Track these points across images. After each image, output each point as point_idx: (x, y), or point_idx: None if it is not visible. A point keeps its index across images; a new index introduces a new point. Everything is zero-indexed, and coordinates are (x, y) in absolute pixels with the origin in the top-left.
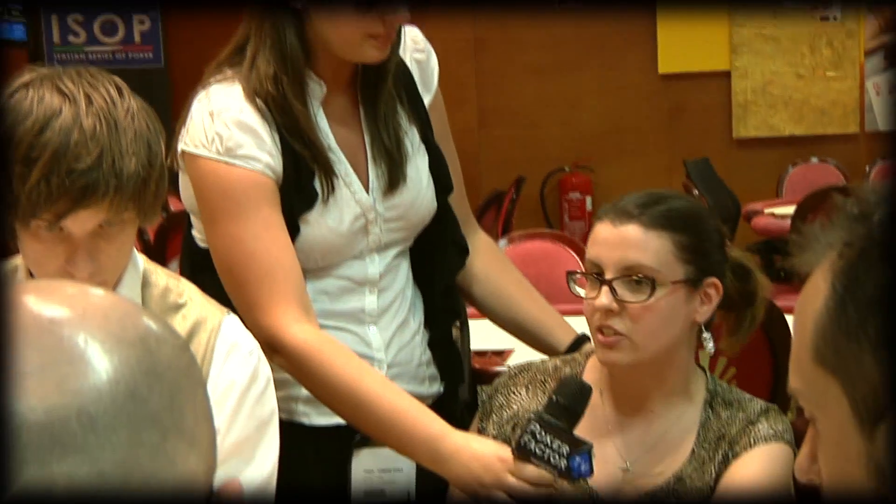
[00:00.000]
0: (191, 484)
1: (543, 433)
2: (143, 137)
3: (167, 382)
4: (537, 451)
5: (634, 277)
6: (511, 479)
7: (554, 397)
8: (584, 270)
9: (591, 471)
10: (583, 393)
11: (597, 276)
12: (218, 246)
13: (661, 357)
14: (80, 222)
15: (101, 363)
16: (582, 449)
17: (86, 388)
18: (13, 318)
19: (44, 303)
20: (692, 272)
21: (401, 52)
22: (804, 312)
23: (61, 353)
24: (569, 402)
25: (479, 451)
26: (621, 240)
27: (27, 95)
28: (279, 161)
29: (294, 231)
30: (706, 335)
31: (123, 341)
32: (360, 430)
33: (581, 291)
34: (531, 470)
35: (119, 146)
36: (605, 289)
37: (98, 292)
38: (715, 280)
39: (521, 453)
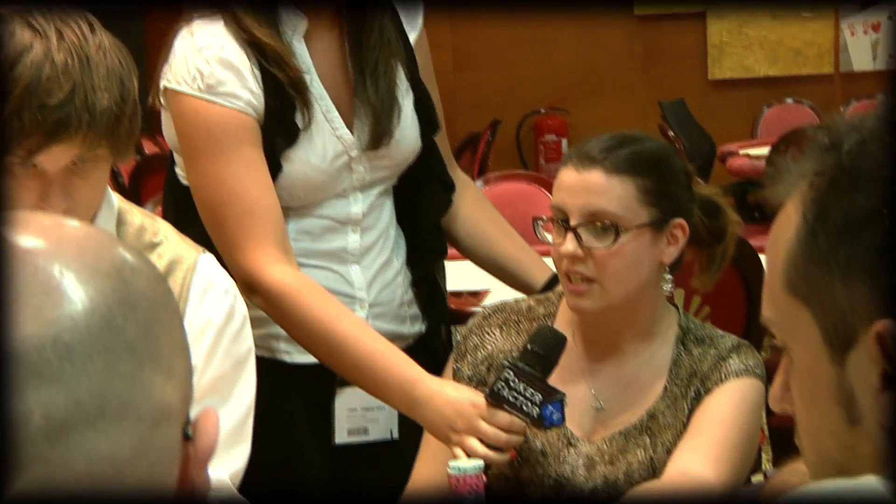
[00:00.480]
0: (167, 413)
1: (517, 381)
2: (115, 73)
3: (143, 312)
4: (510, 398)
5: (598, 224)
6: (483, 425)
7: (529, 346)
8: (550, 216)
9: (562, 420)
10: (557, 342)
11: (562, 221)
12: (198, 185)
13: (630, 299)
14: (54, 158)
15: (76, 293)
16: (555, 398)
17: (61, 318)
18: None
19: (19, 234)
20: (657, 215)
21: None
22: (776, 243)
23: (36, 284)
24: (544, 351)
25: (452, 397)
26: (584, 186)
27: None
28: (261, 98)
29: (276, 168)
30: (667, 276)
31: (99, 271)
32: (335, 372)
33: (548, 237)
34: (503, 416)
35: (91, 81)
36: (570, 235)
37: (73, 223)
38: (681, 221)
39: (495, 399)
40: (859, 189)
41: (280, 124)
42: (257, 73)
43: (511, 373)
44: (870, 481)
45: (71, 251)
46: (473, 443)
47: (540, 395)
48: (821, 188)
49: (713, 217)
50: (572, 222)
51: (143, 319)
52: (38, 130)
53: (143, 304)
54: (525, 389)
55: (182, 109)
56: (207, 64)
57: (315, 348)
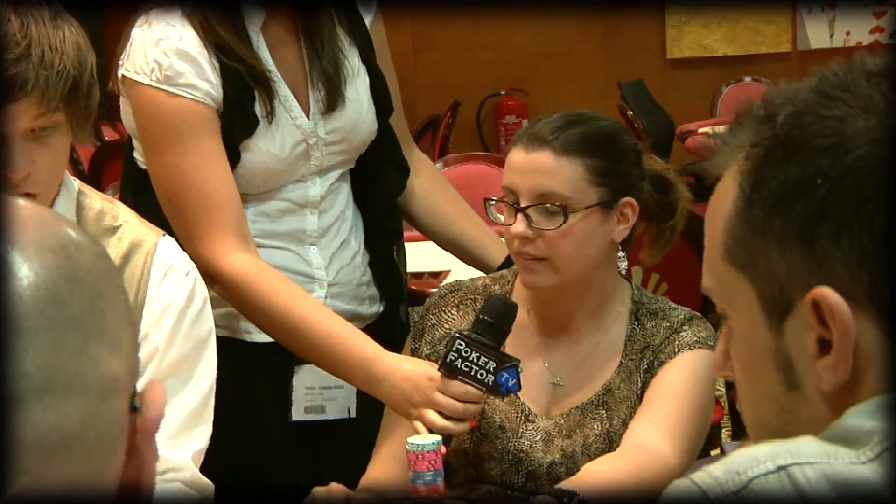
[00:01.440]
0: (114, 385)
1: (469, 350)
2: (73, 39)
3: (87, 287)
4: (464, 368)
5: (548, 205)
6: (439, 397)
7: (480, 315)
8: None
9: (518, 386)
10: (508, 310)
11: (513, 203)
12: (158, 175)
13: (581, 277)
14: (13, 119)
15: (21, 269)
16: (509, 365)
17: (7, 294)
18: None
19: None
20: (606, 194)
21: None
22: (714, 213)
23: None
24: (495, 320)
25: (409, 371)
26: (533, 167)
27: None
28: (219, 88)
29: (235, 158)
30: (621, 254)
31: (43, 248)
32: (296, 354)
33: (500, 217)
34: (458, 386)
35: (48, 41)
36: (520, 216)
37: (18, 202)
38: (630, 200)
39: (448, 371)
40: (793, 159)
41: (239, 114)
42: (215, 63)
43: (463, 343)
44: (807, 441)
45: (15, 228)
46: (432, 415)
47: (494, 363)
48: (756, 159)
49: (664, 192)
50: (522, 203)
51: (87, 294)
52: None
53: (88, 280)
54: (478, 359)
55: (141, 100)
56: (165, 55)
57: (275, 332)
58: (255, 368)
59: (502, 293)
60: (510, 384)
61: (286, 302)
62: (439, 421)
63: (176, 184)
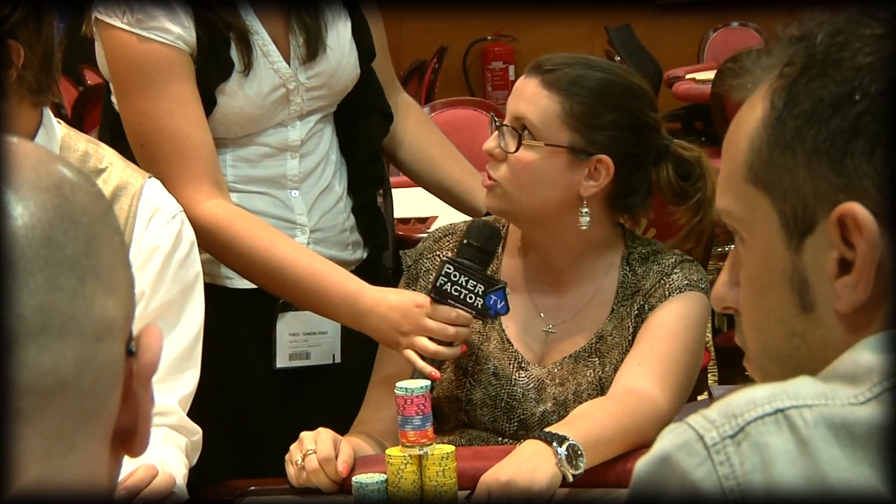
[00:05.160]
0: (109, 328)
1: (458, 275)
2: None
3: (83, 228)
4: (454, 292)
5: (516, 127)
6: (430, 322)
7: (465, 240)
8: None
9: (507, 308)
10: (492, 233)
11: (499, 123)
12: (129, 121)
13: (539, 215)
14: None
15: (15, 209)
16: (497, 287)
17: (1, 234)
18: None
19: None
20: (578, 141)
21: None
22: (738, 134)
23: None
24: (480, 244)
25: (396, 302)
26: (521, 91)
27: None
28: (192, 32)
29: (211, 103)
30: (584, 210)
31: (38, 187)
32: (278, 297)
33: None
34: (448, 310)
35: None
36: (495, 133)
37: (12, 139)
38: (605, 158)
39: (438, 296)
40: (829, 76)
41: (213, 59)
42: (190, 9)
43: (451, 267)
44: (804, 382)
45: (10, 167)
46: (423, 341)
47: (482, 286)
48: (790, 76)
49: (685, 178)
50: (504, 121)
51: (83, 235)
52: None
53: (84, 220)
54: (467, 282)
55: (113, 43)
56: None
57: (255, 276)
58: (237, 315)
59: (485, 220)
60: (499, 306)
61: (264, 244)
62: (431, 346)
63: (147, 130)
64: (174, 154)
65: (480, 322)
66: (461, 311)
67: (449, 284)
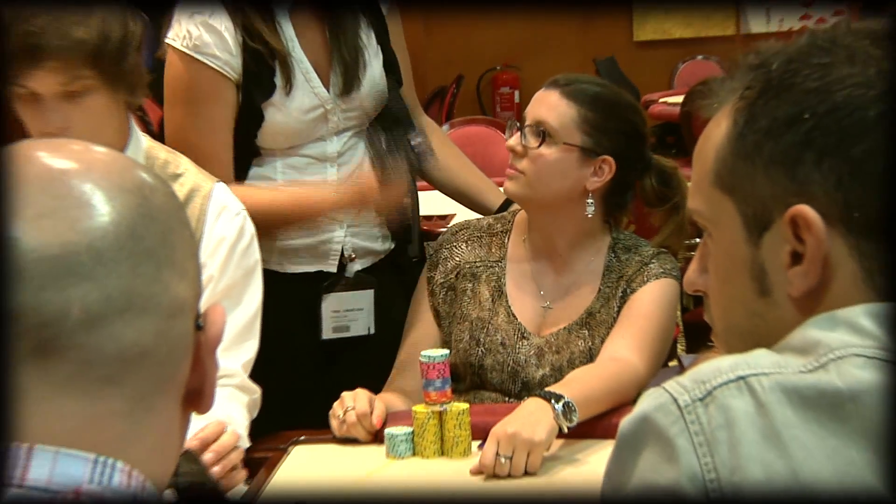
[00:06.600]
0: (181, 307)
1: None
2: (99, 14)
3: (160, 223)
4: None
5: (539, 128)
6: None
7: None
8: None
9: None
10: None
11: (520, 124)
12: (168, 126)
13: (552, 201)
14: (41, 81)
15: (105, 207)
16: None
17: (93, 228)
18: (25, 169)
19: (52, 157)
20: (589, 143)
21: None
22: (707, 145)
23: (72, 199)
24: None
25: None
26: (542, 100)
27: None
28: (239, 60)
29: (259, 117)
30: (589, 201)
31: (123, 189)
32: (292, 231)
33: (510, 139)
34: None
35: (70, 17)
36: (517, 133)
37: (100, 149)
38: (609, 158)
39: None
40: (783, 98)
41: (257, 82)
42: (239, 39)
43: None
44: (762, 353)
45: (100, 172)
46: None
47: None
48: (750, 98)
49: (665, 184)
50: (525, 124)
51: (160, 230)
52: (22, 55)
53: (161, 217)
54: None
55: (171, 60)
56: (196, 27)
57: (268, 229)
58: (287, 295)
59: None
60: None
61: (260, 204)
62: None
63: (179, 139)
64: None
65: (491, 301)
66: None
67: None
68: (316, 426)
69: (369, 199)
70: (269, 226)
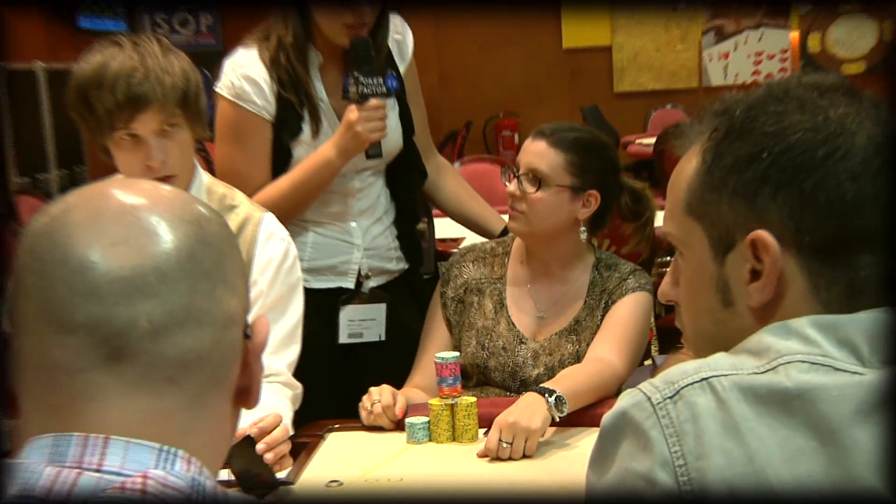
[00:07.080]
0: (232, 319)
1: (366, 77)
2: (179, 63)
3: (214, 249)
4: (370, 91)
5: (533, 176)
6: (364, 113)
7: (352, 55)
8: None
9: (397, 85)
10: (366, 42)
11: (515, 172)
12: (218, 158)
13: (550, 234)
14: (144, 123)
15: (168, 236)
16: (387, 73)
17: (158, 253)
18: (102, 204)
19: (126, 194)
20: (577, 183)
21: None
22: (679, 178)
23: (140, 229)
24: (364, 53)
25: (339, 129)
26: (532, 150)
27: (94, 50)
28: (273, 107)
29: (288, 155)
30: (582, 228)
31: (183, 220)
32: (305, 202)
33: (507, 182)
34: (372, 102)
35: (160, 66)
36: (515, 180)
37: (165, 187)
38: (595, 192)
39: (363, 98)
40: (745, 140)
41: (287, 125)
42: (275, 88)
43: (362, 77)
44: (722, 356)
45: (164, 206)
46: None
47: (380, 77)
48: (716, 140)
49: (637, 202)
50: (519, 172)
51: (215, 254)
52: (129, 104)
53: (215, 243)
54: (374, 79)
55: (219, 105)
56: (238, 78)
57: (287, 212)
58: (312, 306)
59: (362, 38)
60: (394, 85)
61: (271, 197)
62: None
63: (227, 169)
64: (238, 186)
65: (494, 312)
66: (379, 99)
67: (366, 88)
68: (335, 416)
69: (355, 129)
70: (291, 206)
